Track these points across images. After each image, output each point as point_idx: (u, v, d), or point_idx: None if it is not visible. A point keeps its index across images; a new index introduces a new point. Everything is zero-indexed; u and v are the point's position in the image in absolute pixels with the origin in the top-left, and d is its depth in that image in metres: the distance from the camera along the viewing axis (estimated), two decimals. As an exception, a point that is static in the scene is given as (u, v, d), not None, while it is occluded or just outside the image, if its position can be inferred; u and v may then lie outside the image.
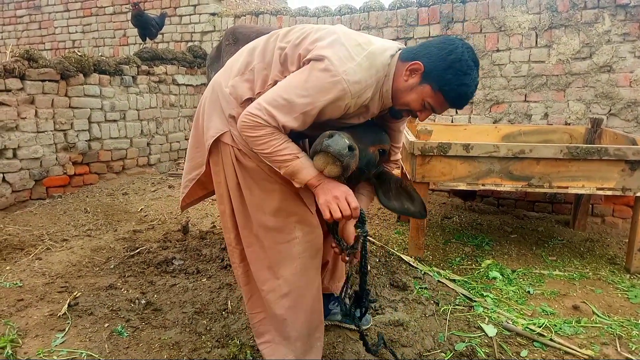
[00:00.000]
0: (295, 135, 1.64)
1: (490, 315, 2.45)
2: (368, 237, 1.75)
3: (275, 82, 1.63)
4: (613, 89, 3.99)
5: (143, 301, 2.48)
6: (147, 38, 5.87)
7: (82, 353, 2.03)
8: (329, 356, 2.06)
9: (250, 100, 1.66)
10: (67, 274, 2.82)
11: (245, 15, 5.92)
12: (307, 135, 1.80)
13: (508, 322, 2.36)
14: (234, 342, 2.13)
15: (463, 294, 2.66)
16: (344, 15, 5.21)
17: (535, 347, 2.20)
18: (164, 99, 5.52)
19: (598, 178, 2.86)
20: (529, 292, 2.74)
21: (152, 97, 5.37)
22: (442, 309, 2.50)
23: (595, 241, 3.58)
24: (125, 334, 2.19)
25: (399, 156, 2.00)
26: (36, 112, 4.17)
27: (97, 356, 2.02)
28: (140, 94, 5.21)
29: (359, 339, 1.88)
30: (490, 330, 2.29)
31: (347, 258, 1.74)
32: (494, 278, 2.89)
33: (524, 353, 2.14)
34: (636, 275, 2.96)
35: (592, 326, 2.38)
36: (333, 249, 1.81)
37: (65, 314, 2.32)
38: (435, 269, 2.98)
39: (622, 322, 2.41)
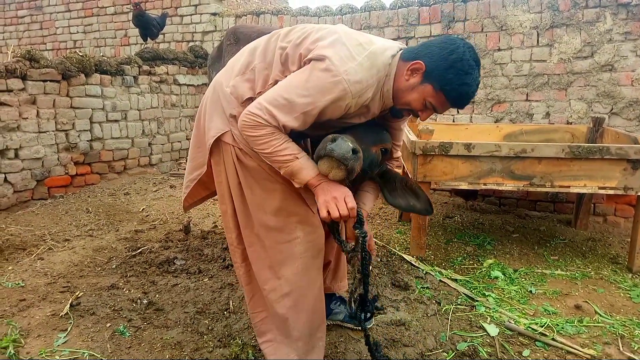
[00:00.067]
0: (296, 135, 1.64)
1: (492, 314, 2.45)
2: (369, 238, 1.74)
3: (276, 82, 1.63)
4: (615, 88, 3.98)
5: (145, 301, 2.49)
6: (149, 38, 5.88)
7: (84, 353, 2.03)
8: (331, 356, 2.06)
9: (251, 99, 1.66)
10: (69, 274, 2.82)
11: (246, 15, 5.92)
12: (308, 135, 1.80)
13: (510, 322, 2.36)
14: (236, 341, 2.13)
15: (465, 294, 2.66)
16: (345, 14, 5.21)
17: (538, 346, 2.19)
18: (165, 99, 5.53)
19: (600, 177, 2.86)
20: (531, 291, 2.73)
21: (154, 97, 5.37)
22: (444, 308, 2.50)
23: (597, 240, 3.58)
24: (127, 333, 2.20)
25: (399, 154, 2.00)
26: (38, 112, 4.17)
27: (99, 356, 2.02)
28: (141, 94, 5.21)
29: (364, 344, 1.87)
30: (492, 330, 2.29)
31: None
32: (496, 277, 2.89)
33: (526, 353, 2.13)
34: (638, 275, 2.95)
35: (594, 326, 2.38)
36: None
37: (67, 314, 2.33)
38: (437, 268, 2.98)
39: (625, 322, 2.41)
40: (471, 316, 2.44)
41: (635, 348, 2.18)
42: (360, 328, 2.18)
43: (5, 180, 3.98)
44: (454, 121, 4.67)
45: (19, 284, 2.66)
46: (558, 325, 2.35)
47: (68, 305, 2.38)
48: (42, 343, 2.10)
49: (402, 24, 4.84)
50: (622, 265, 3.12)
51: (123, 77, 4.99)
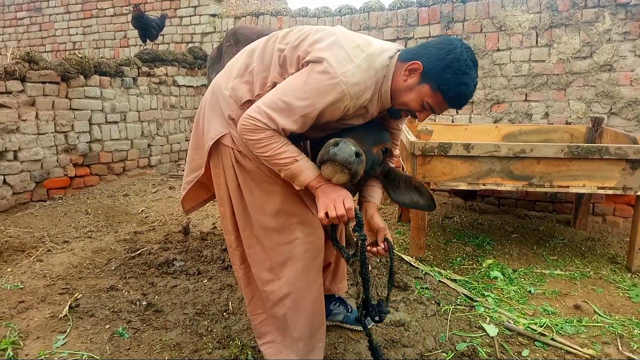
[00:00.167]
0: (295, 137, 1.64)
1: (491, 315, 2.45)
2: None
3: (274, 84, 1.63)
4: (614, 88, 3.98)
5: (144, 302, 2.49)
6: (148, 39, 5.87)
7: (83, 355, 2.03)
8: (330, 356, 2.06)
9: (249, 102, 1.66)
10: (68, 276, 2.82)
11: (245, 16, 5.93)
12: (307, 137, 1.80)
13: (509, 322, 2.36)
14: (235, 343, 2.13)
15: (464, 294, 2.66)
16: (344, 15, 5.21)
17: (537, 346, 2.19)
18: (164, 100, 5.53)
19: (599, 177, 2.86)
20: (530, 291, 2.73)
21: (153, 98, 5.37)
22: (444, 309, 2.50)
23: (596, 240, 3.58)
24: (126, 335, 2.20)
25: (397, 152, 2.02)
26: (37, 114, 4.17)
27: (98, 358, 2.02)
28: (140, 96, 5.21)
29: (367, 349, 1.87)
30: (492, 330, 2.29)
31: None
32: (495, 278, 2.89)
33: (525, 353, 2.13)
34: (637, 275, 2.95)
35: (593, 325, 2.38)
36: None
37: (66, 315, 2.32)
38: (436, 268, 2.98)
39: (624, 322, 2.41)
40: (470, 316, 2.44)
41: (634, 348, 2.18)
42: (361, 329, 2.19)
43: (4, 182, 3.98)
44: (453, 121, 4.68)
45: (17, 285, 2.66)
46: (557, 325, 2.35)
47: (67, 307, 2.38)
48: (41, 345, 2.09)
49: (401, 25, 4.85)
50: (621, 265, 3.12)
51: (122, 79, 4.99)
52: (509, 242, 3.51)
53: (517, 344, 2.21)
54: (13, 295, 2.53)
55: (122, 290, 2.64)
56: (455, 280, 2.84)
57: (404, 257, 3.11)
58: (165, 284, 2.73)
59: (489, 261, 3.11)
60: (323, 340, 1.85)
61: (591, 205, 3.96)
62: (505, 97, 4.43)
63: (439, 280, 2.82)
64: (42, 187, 4.28)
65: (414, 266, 2.98)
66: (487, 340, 2.22)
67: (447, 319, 2.40)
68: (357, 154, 1.52)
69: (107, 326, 2.26)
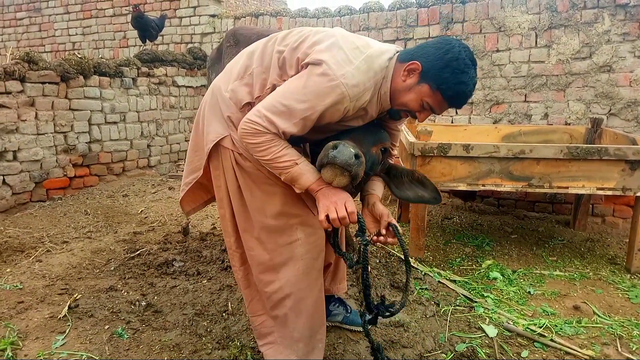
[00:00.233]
0: (294, 140, 1.64)
1: (490, 315, 2.45)
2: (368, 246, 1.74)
3: (274, 86, 1.64)
4: (613, 89, 3.99)
5: (143, 303, 2.48)
6: (147, 40, 5.87)
7: (82, 355, 2.03)
8: (330, 357, 2.06)
9: (249, 104, 1.67)
10: (68, 276, 2.82)
11: (245, 17, 5.93)
12: (306, 139, 1.80)
13: (509, 323, 2.36)
14: (235, 343, 2.13)
15: (463, 295, 2.66)
16: (344, 16, 5.21)
17: (536, 347, 2.19)
18: (164, 101, 5.53)
19: (598, 178, 2.86)
20: (529, 292, 2.73)
21: (152, 98, 5.37)
22: (443, 309, 2.50)
23: (595, 241, 3.58)
24: (125, 335, 2.19)
25: (395, 152, 2.02)
26: (36, 114, 4.17)
27: (97, 358, 2.02)
28: (140, 96, 5.21)
29: (370, 351, 1.87)
30: (491, 331, 2.29)
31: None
32: (495, 278, 2.89)
33: (524, 353, 2.13)
34: (637, 275, 2.95)
35: (592, 326, 2.38)
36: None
37: (65, 316, 2.32)
38: (435, 269, 2.98)
39: (623, 322, 2.41)
40: (470, 317, 2.44)
41: (634, 348, 2.18)
42: (361, 330, 2.19)
43: (4, 182, 3.98)
44: (452, 122, 4.68)
45: (17, 286, 2.65)
46: (557, 326, 2.35)
47: (66, 308, 2.38)
48: (40, 345, 2.09)
49: (401, 25, 4.85)
50: (620, 265, 3.12)
51: (122, 79, 4.99)
52: (508, 243, 3.51)
53: (517, 344, 2.21)
54: (12, 296, 2.53)
55: (122, 290, 2.64)
56: (454, 281, 2.84)
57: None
58: (164, 284, 2.73)
59: (489, 262, 3.11)
60: (323, 340, 1.86)
61: (590, 206, 3.96)
62: (504, 98, 4.43)
63: (439, 281, 2.82)
64: (41, 188, 4.28)
65: (413, 267, 2.98)
66: (487, 341, 2.23)
67: (447, 320, 2.40)
68: (357, 156, 1.52)
69: (107, 326, 2.26)
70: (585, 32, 4.05)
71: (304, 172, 1.59)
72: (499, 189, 2.99)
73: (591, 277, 2.96)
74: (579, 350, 2.14)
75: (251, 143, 1.57)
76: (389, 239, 1.75)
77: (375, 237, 1.74)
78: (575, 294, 2.73)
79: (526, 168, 2.89)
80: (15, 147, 4.02)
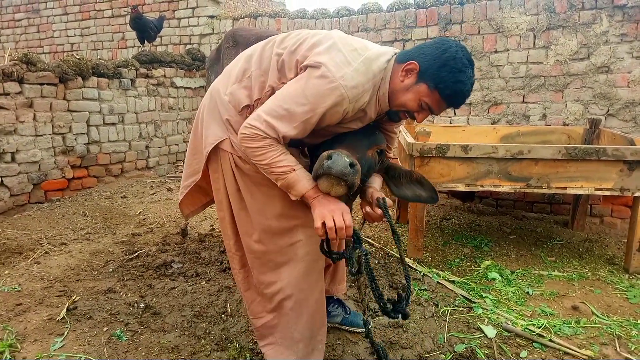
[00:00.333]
0: (293, 143, 1.65)
1: (489, 316, 2.45)
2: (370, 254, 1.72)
3: (273, 89, 1.64)
4: (611, 90, 3.99)
5: (142, 305, 2.48)
6: (146, 41, 5.87)
7: (81, 357, 2.02)
8: (329, 358, 2.06)
9: (248, 107, 1.67)
10: (66, 278, 2.81)
11: (243, 18, 5.93)
12: (305, 143, 1.80)
13: (507, 323, 2.36)
14: (234, 345, 2.13)
15: (462, 295, 2.66)
16: (342, 17, 5.21)
17: (535, 347, 2.19)
18: (162, 102, 5.52)
19: (596, 178, 2.87)
20: (528, 292, 2.74)
21: (151, 100, 5.37)
22: (442, 310, 2.50)
23: (594, 241, 3.58)
24: (124, 337, 2.19)
25: (392, 154, 2.03)
26: (34, 115, 4.17)
27: (96, 360, 2.02)
28: (138, 97, 5.21)
29: (366, 350, 1.86)
30: (490, 331, 2.29)
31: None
32: (493, 279, 2.89)
33: (523, 354, 2.14)
34: (635, 275, 2.96)
35: (591, 326, 2.38)
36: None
37: (64, 318, 2.32)
38: (434, 270, 2.98)
39: (621, 322, 2.41)
40: (469, 318, 2.44)
41: (632, 348, 2.19)
42: (360, 330, 2.19)
43: (2, 183, 3.97)
44: (450, 123, 4.68)
45: (15, 288, 2.65)
46: (555, 326, 2.35)
47: (65, 310, 2.37)
48: (39, 348, 2.09)
49: (399, 27, 4.85)
50: (618, 266, 3.13)
51: (120, 80, 4.98)
52: (507, 244, 3.51)
53: (515, 345, 2.21)
54: (10, 298, 2.52)
55: (120, 292, 2.64)
56: (453, 282, 2.85)
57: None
58: (163, 286, 2.72)
59: (487, 262, 3.12)
60: (323, 341, 1.86)
61: (589, 206, 3.97)
62: (502, 99, 4.43)
63: (437, 282, 2.82)
64: (39, 189, 4.27)
65: (412, 267, 2.98)
66: (486, 342, 2.23)
67: (446, 321, 2.40)
68: (352, 165, 1.50)
69: (105, 329, 2.25)
70: (584, 33, 4.05)
71: (301, 179, 1.58)
72: (497, 190, 3.00)
73: (590, 277, 2.97)
74: (577, 350, 2.14)
75: (250, 147, 1.57)
76: (375, 216, 1.74)
77: (363, 211, 1.76)
78: (573, 294, 2.73)
79: (524, 169, 2.89)
80: (14, 148, 4.02)
